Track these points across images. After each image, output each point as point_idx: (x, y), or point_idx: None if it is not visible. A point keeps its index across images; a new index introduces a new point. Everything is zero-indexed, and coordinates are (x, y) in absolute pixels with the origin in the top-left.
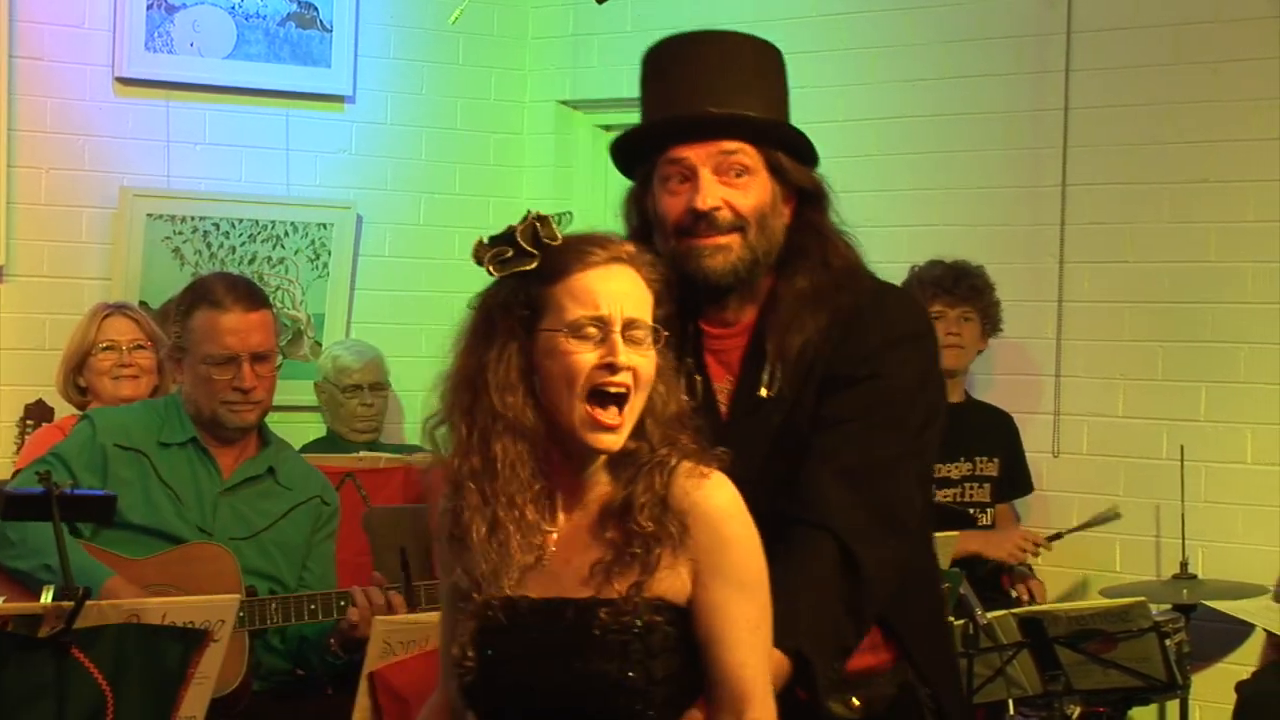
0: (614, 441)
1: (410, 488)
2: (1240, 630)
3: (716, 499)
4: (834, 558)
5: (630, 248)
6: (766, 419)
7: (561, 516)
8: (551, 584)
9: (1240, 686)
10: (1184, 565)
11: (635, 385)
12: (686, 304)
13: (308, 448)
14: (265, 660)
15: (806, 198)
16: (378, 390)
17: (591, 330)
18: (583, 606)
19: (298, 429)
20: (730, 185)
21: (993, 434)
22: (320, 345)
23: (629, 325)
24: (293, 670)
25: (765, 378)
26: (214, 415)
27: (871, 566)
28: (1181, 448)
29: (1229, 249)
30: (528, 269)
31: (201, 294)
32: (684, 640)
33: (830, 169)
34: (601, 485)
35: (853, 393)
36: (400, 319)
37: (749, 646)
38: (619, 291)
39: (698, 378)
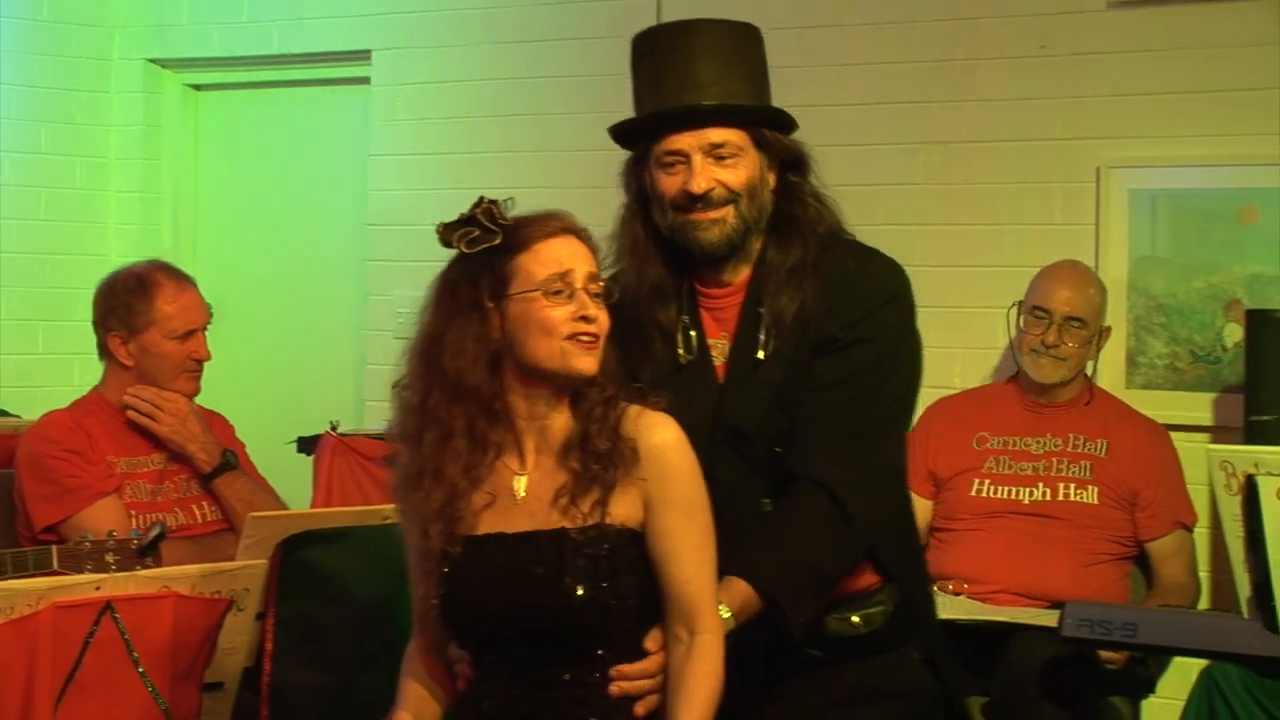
0: (592, 363)
1: None
2: None
3: (662, 433)
4: (825, 510)
5: (574, 220)
6: (765, 378)
7: (531, 460)
8: (527, 520)
9: None
10: None
11: (600, 333)
12: (683, 264)
13: None
14: None
15: (789, 164)
16: None
17: (560, 287)
18: (555, 533)
19: None
20: (721, 166)
21: None
22: None
23: (590, 280)
24: None
25: (762, 339)
26: None
27: (861, 518)
28: None
29: None
30: (495, 244)
31: None
32: (641, 561)
33: (425, 131)
34: (563, 427)
35: (844, 355)
36: None
37: (695, 564)
38: (577, 254)
39: (693, 334)
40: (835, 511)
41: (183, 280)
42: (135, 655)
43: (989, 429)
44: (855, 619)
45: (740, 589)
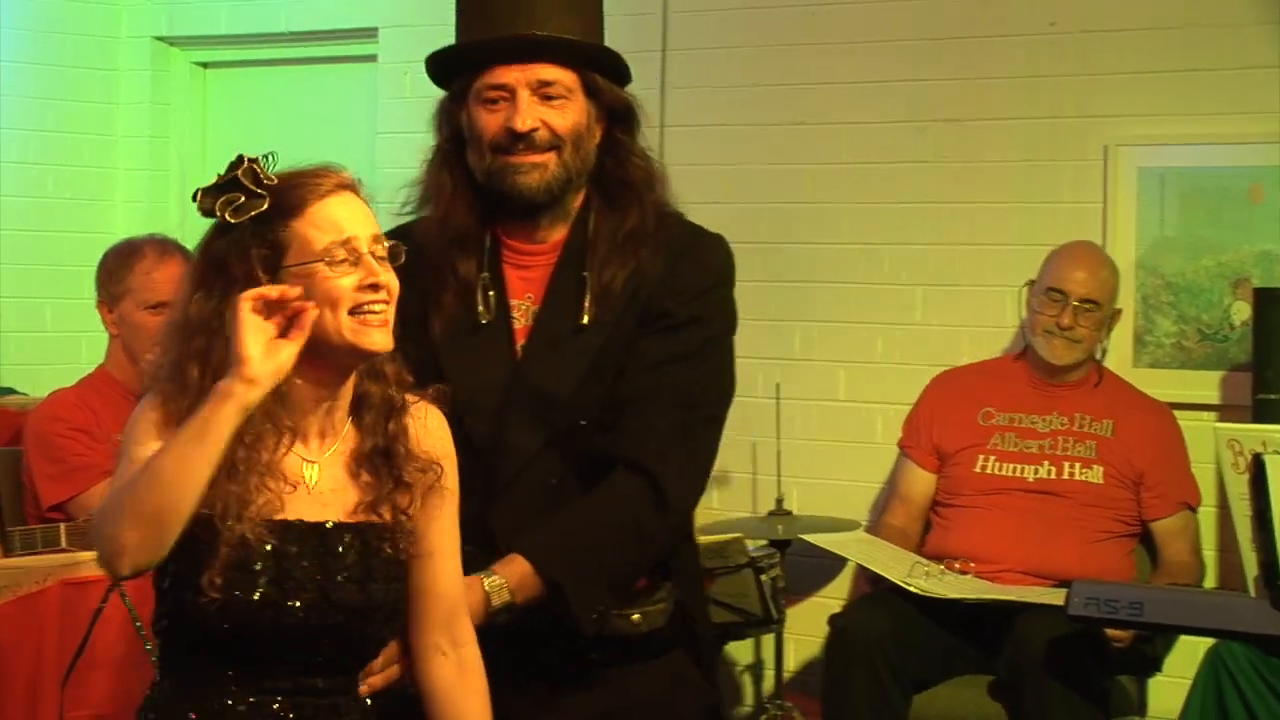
0: (387, 339)
1: (2, 431)
2: (833, 565)
3: (436, 429)
4: (645, 497)
5: (348, 174)
6: (586, 344)
7: (319, 446)
8: (317, 509)
9: (833, 619)
10: (779, 501)
11: (390, 299)
12: (491, 216)
13: None
14: None
15: (617, 117)
16: None
17: (342, 254)
18: (346, 528)
19: None
20: (548, 106)
21: None
22: None
23: (374, 242)
24: None
25: (587, 305)
26: None
27: (678, 507)
28: (777, 385)
29: (823, 190)
30: (262, 210)
31: None
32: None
33: (432, 109)
34: (347, 410)
35: (678, 334)
36: None
37: (457, 567)
38: (358, 214)
39: (491, 293)
40: (655, 500)
41: (170, 252)
42: (143, 632)
43: (995, 405)
44: (635, 617)
45: (519, 568)
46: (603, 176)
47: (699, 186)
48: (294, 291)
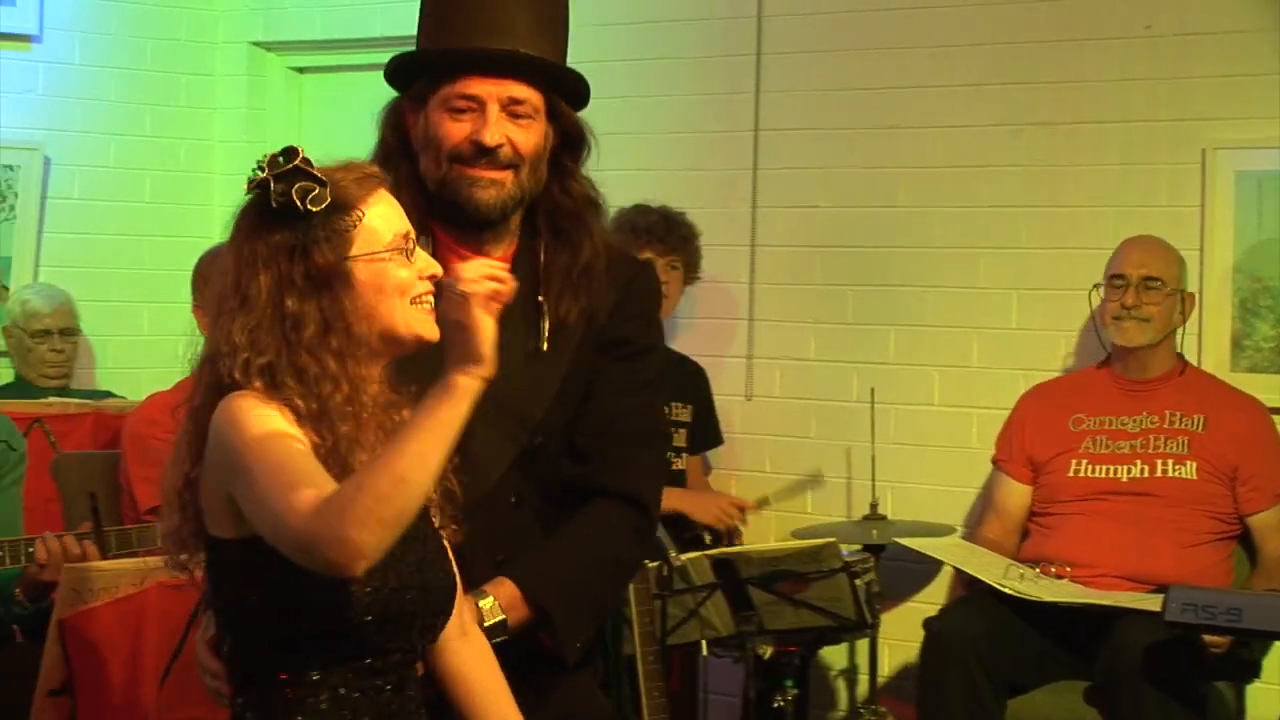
0: (436, 330)
1: (100, 434)
2: (928, 569)
3: None
4: (629, 529)
5: (377, 168)
6: (546, 371)
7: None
8: None
9: (928, 623)
10: (874, 506)
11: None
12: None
13: None
14: None
15: (568, 142)
16: (68, 335)
17: (404, 246)
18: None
19: None
20: (515, 124)
21: (687, 382)
22: (7, 289)
23: (411, 238)
24: None
25: (545, 333)
26: None
27: (652, 536)
28: (872, 390)
29: (918, 194)
30: (329, 200)
31: None
32: None
33: None
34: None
35: (640, 363)
36: (90, 262)
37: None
38: (401, 210)
39: None
40: (638, 532)
41: None
42: None
43: (1085, 410)
44: (578, 644)
45: (510, 590)
46: (549, 202)
47: (793, 191)
48: (511, 281)
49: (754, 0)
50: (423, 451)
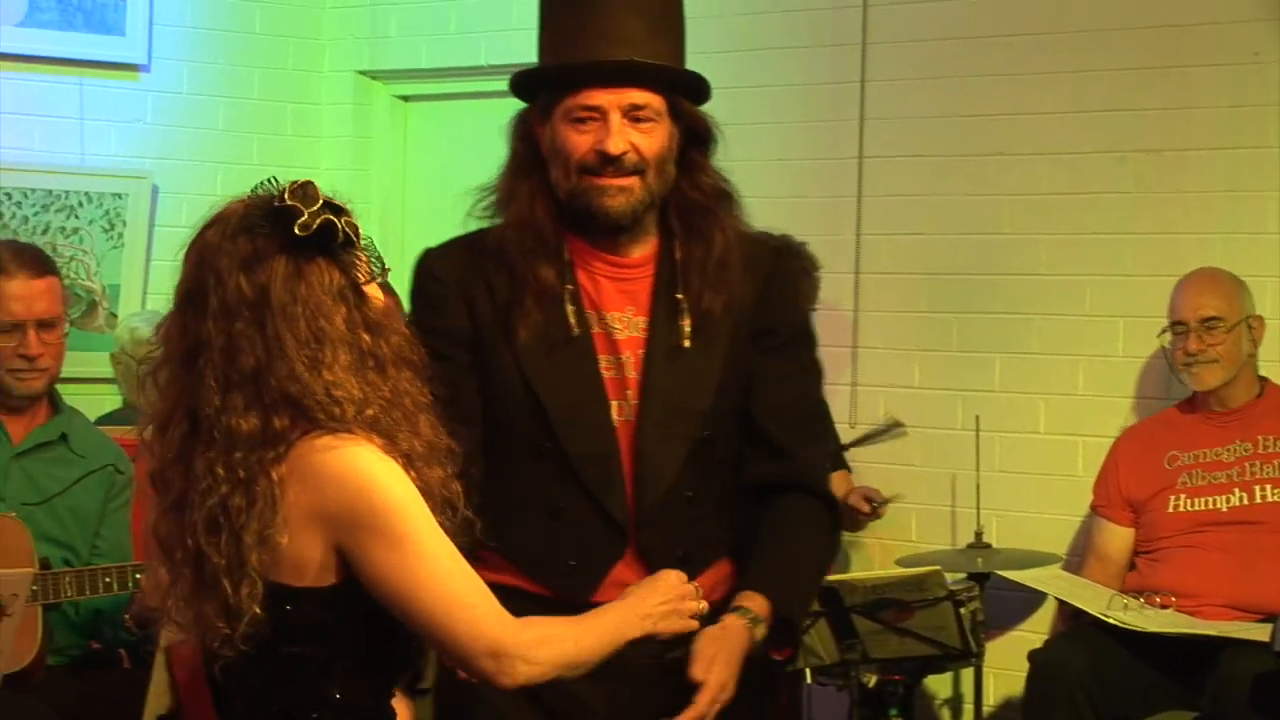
0: None
1: None
2: (1033, 598)
3: None
4: (831, 524)
5: None
6: (699, 365)
7: None
8: None
9: (1033, 655)
10: (979, 534)
11: None
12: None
13: (103, 419)
14: (59, 634)
15: (696, 137)
16: None
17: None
18: None
19: (93, 400)
20: (637, 129)
21: None
22: (115, 317)
23: None
24: (87, 644)
25: (685, 329)
26: (0, 383)
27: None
28: (976, 418)
29: (1024, 222)
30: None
31: None
32: None
33: None
34: None
35: (793, 352)
36: None
37: None
38: None
39: (571, 307)
40: (833, 527)
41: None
42: None
43: (1178, 447)
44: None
45: (761, 604)
46: (680, 198)
47: (897, 218)
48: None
49: (859, 27)
50: (609, 643)
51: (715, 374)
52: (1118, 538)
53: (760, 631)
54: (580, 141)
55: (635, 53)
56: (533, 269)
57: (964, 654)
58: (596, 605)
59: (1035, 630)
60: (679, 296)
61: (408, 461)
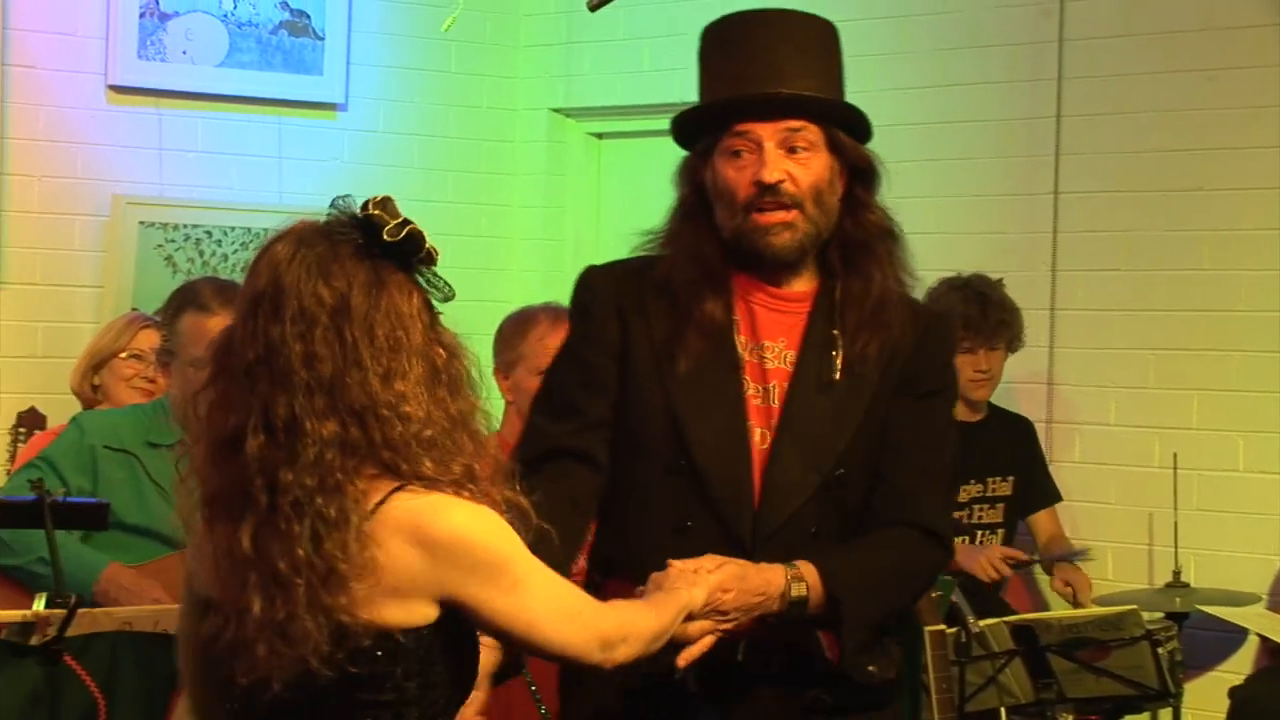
0: None
1: None
2: (1233, 638)
3: None
4: (926, 546)
5: None
6: (844, 402)
7: None
8: None
9: (1233, 692)
10: (1177, 573)
11: None
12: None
13: None
14: None
15: (858, 174)
16: None
17: None
18: None
19: None
20: (793, 159)
21: (1007, 452)
22: None
23: None
24: None
25: (838, 364)
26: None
27: (950, 557)
28: (1174, 455)
29: (1224, 257)
30: None
31: (189, 298)
32: None
33: None
34: None
35: (932, 405)
36: None
37: None
38: None
39: (731, 337)
40: (938, 556)
41: (563, 320)
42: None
43: None
44: (872, 667)
45: (811, 573)
46: (842, 236)
47: (1094, 252)
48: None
49: (1054, 63)
50: (665, 632)
51: (859, 412)
52: None
53: (798, 590)
54: (739, 177)
55: (787, 86)
56: (698, 302)
57: (1162, 694)
58: None
59: (1235, 670)
60: (835, 333)
61: (473, 482)
